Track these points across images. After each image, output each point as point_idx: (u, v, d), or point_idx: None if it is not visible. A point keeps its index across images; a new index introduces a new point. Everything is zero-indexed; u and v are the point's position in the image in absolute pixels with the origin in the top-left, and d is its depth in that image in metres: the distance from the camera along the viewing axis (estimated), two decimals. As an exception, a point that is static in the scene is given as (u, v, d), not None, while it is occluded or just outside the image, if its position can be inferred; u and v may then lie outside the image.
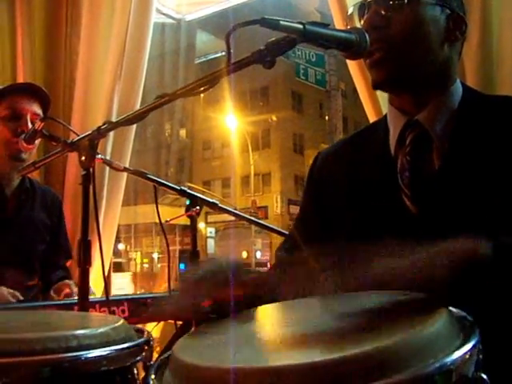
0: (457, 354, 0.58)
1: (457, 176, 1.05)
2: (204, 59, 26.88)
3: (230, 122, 26.12)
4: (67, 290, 1.95)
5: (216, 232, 24.43)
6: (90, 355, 0.74)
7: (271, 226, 1.94)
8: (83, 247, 1.30)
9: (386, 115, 1.24)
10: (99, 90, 2.69)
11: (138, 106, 2.76)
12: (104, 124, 1.29)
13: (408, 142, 1.11)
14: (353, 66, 2.05)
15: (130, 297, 1.77)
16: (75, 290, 1.93)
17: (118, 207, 2.81)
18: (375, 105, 1.95)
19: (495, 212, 0.98)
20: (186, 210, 1.77)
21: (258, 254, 30.10)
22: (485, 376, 0.59)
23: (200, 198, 1.79)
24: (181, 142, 29.49)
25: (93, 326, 0.80)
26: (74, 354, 0.73)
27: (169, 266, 1.75)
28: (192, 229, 1.79)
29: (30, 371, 0.71)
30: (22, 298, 1.86)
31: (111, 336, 0.79)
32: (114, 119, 2.61)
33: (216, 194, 25.99)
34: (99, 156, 1.37)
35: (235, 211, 1.92)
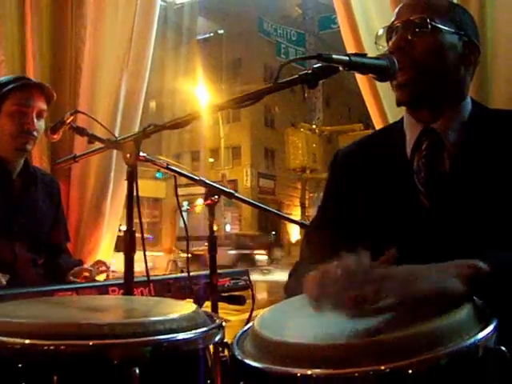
0: (483, 333, 0.78)
1: (465, 177, 1.23)
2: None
3: (201, 94, 25.96)
4: (86, 274, 2.09)
5: (189, 205, 24.49)
6: (183, 337, 0.90)
7: (284, 214, 2.07)
8: (129, 236, 1.45)
9: (400, 120, 1.41)
10: (106, 77, 2.77)
11: (143, 93, 2.89)
12: (149, 126, 1.43)
13: (424, 147, 1.29)
14: (361, 78, 2.19)
15: (154, 278, 1.92)
16: (94, 274, 2.07)
17: (124, 186, 2.92)
18: (382, 115, 2.12)
19: (498, 210, 1.16)
20: (205, 199, 1.91)
21: (228, 227, 30.32)
22: (503, 348, 0.78)
23: (217, 187, 1.93)
24: (150, 115, 29.25)
25: (182, 311, 0.96)
26: (173, 335, 0.89)
27: (187, 249, 1.91)
28: (210, 216, 1.93)
29: (135, 350, 0.86)
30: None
31: (196, 319, 0.96)
32: (120, 106, 2.74)
33: (185, 166, 25.91)
34: (142, 154, 1.50)
35: (252, 201, 2.06)
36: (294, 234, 29.92)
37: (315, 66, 1.12)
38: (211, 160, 30.43)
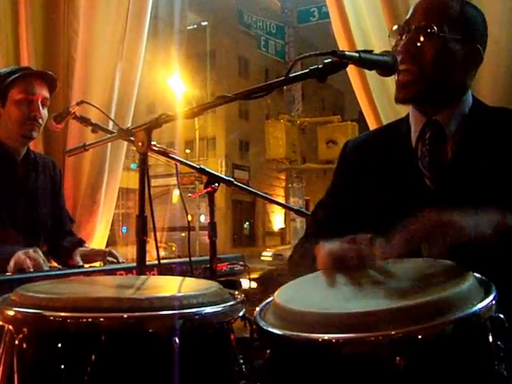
0: (484, 303, 0.88)
1: (465, 162, 1.35)
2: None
3: (175, 85, 25.81)
4: (99, 259, 2.15)
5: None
6: (214, 310, 0.98)
7: (286, 203, 2.14)
8: (141, 221, 1.52)
9: (407, 115, 1.52)
10: (100, 67, 2.82)
11: (137, 83, 2.95)
12: (161, 115, 1.50)
13: (427, 136, 1.41)
14: (353, 73, 2.28)
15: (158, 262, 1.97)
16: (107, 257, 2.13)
17: (118, 174, 3.00)
18: (374, 111, 2.23)
19: (495, 192, 1.28)
20: (205, 187, 1.98)
21: (202, 218, 30.27)
22: (502, 315, 0.88)
23: (216, 175, 2.00)
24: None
25: (209, 287, 1.04)
26: (203, 308, 0.97)
27: (189, 237, 1.98)
28: (210, 203, 2.00)
29: (171, 322, 0.92)
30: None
31: (222, 295, 1.04)
32: (115, 96, 2.78)
33: (160, 158, 25.58)
34: (153, 142, 1.57)
35: (252, 189, 2.13)
36: (277, 222, 30.06)
37: (326, 61, 1.21)
38: (187, 151, 30.29)
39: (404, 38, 1.38)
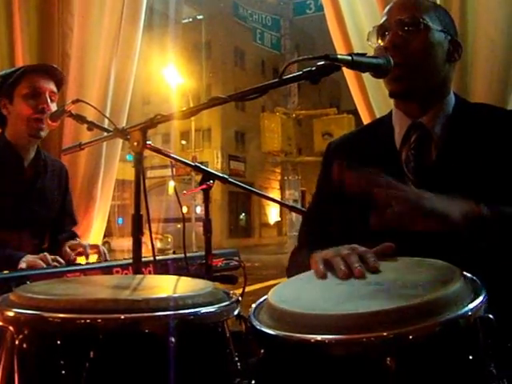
0: (473, 304, 0.90)
1: (450, 165, 1.36)
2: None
3: (171, 76, 25.76)
4: (81, 249, 2.16)
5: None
6: (209, 310, 1.00)
7: (282, 196, 2.17)
8: (136, 219, 1.53)
9: (388, 114, 1.53)
10: (95, 64, 2.81)
11: (132, 80, 2.95)
12: (157, 115, 1.51)
13: (413, 139, 1.42)
14: (348, 71, 2.29)
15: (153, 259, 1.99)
16: (88, 251, 2.15)
17: (114, 170, 3.02)
18: (369, 108, 2.24)
19: (480, 193, 1.27)
20: (200, 184, 2.00)
21: (198, 209, 30.33)
22: (491, 316, 0.90)
23: (211, 172, 2.03)
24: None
25: (204, 287, 1.06)
26: (199, 309, 0.99)
27: (184, 232, 1.99)
28: (205, 200, 2.02)
29: (167, 322, 0.94)
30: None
31: (217, 295, 1.06)
32: (110, 93, 2.79)
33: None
34: (148, 142, 1.58)
35: (247, 186, 2.15)
36: (273, 215, 30.14)
37: (319, 63, 1.22)
38: (183, 142, 30.29)
39: (386, 34, 1.40)
